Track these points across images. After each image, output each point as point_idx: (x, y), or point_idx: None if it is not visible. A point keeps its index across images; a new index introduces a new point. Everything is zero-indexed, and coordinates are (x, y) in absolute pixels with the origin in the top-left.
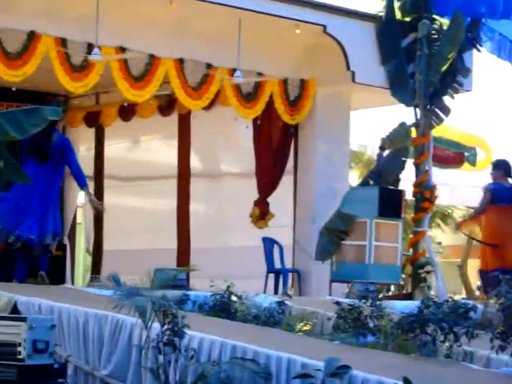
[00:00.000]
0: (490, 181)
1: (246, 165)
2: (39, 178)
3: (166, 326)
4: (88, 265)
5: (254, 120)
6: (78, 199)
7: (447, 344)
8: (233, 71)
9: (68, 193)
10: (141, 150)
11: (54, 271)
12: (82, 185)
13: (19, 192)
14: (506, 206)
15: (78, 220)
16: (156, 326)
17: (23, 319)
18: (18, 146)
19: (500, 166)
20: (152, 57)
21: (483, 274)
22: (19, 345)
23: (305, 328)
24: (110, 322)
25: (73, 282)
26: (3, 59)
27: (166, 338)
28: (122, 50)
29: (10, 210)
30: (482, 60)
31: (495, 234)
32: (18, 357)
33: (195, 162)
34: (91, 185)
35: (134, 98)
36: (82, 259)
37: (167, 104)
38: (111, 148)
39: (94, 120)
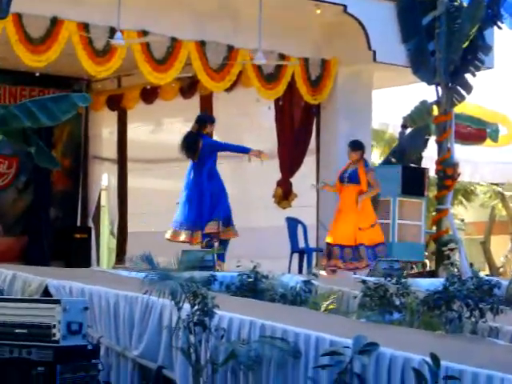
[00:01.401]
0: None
1: (269, 145)
2: (195, 175)
3: (196, 307)
4: (112, 247)
5: (276, 101)
6: (102, 182)
7: (473, 320)
8: (254, 52)
9: (91, 176)
10: (163, 132)
11: (80, 254)
12: (247, 151)
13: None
14: None
15: (102, 202)
16: (186, 306)
17: (57, 301)
18: (44, 133)
19: None
20: (174, 40)
21: None
22: (54, 327)
23: (331, 306)
24: (140, 304)
25: (98, 264)
26: (27, 45)
27: (196, 318)
28: (144, 33)
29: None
30: (503, 37)
31: None
32: (53, 338)
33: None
34: (114, 168)
35: (156, 80)
36: (106, 241)
37: (189, 86)
38: (134, 131)
39: (116, 103)
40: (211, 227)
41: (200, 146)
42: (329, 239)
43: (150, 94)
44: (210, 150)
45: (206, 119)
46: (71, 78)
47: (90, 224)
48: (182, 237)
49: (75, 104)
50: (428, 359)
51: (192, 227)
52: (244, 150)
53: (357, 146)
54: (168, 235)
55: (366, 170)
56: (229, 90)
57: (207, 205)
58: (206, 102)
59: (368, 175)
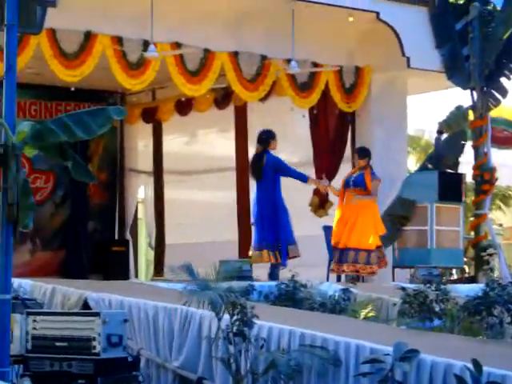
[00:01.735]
0: None
1: (304, 154)
2: (260, 192)
3: (235, 317)
4: (150, 259)
5: (311, 109)
6: (139, 195)
7: None
8: (288, 62)
9: (128, 189)
10: (198, 143)
11: (118, 266)
12: (304, 180)
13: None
14: None
15: (139, 215)
16: (225, 317)
17: (96, 314)
18: (79, 147)
19: None
20: (207, 51)
21: None
22: (94, 339)
23: (371, 314)
24: (179, 315)
25: (136, 277)
26: (61, 60)
27: (235, 328)
28: (178, 45)
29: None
30: None
31: None
32: (94, 351)
33: (253, 154)
34: (150, 180)
35: (190, 92)
36: (144, 254)
37: (223, 97)
38: (169, 143)
39: (151, 116)
40: (294, 252)
41: (264, 163)
42: (339, 243)
43: (184, 106)
44: (274, 166)
45: (267, 137)
46: (106, 92)
47: (128, 237)
48: (264, 257)
49: (110, 117)
50: (470, 365)
51: (271, 246)
52: (303, 178)
53: (364, 153)
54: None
55: (372, 178)
56: (263, 99)
57: (281, 223)
58: (241, 113)
59: (372, 182)
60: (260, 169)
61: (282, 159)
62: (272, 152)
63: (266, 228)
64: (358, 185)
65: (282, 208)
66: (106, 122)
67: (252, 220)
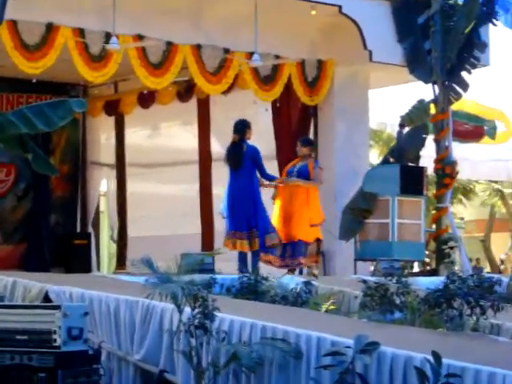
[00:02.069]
0: (510, 154)
1: (267, 147)
2: (236, 182)
3: (196, 310)
4: (113, 252)
5: (273, 102)
6: (101, 188)
7: (474, 318)
8: (250, 55)
9: (90, 182)
10: (161, 136)
11: (80, 259)
12: (271, 180)
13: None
14: None
15: (102, 208)
16: (187, 310)
17: (57, 307)
18: (41, 139)
19: None
20: (170, 44)
21: None
22: (54, 332)
23: (332, 307)
24: (140, 308)
25: (98, 270)
26: (22, 51)
27: (197, 321)
28: (140, 37)
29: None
30: (498, 34)
31: None
32: (54, 344)
33: (216, 147)
34: (113, 173)
35: (153, 85)
36: (106, 247)
37: (186, 90)
38: (132, 136)
39: (113, 108)
40: (272, 240)
41: (244, 151)
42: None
43: (146, 99)
44: (252, 156)
45: (243, 126)
46: (68, 84)
47: (90, 230)
48: (238, 245)
49: (72, 109)
50: (430, 357)
51: (246, 235)
52: (269, 179)
53: (307, 142)
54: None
55: (315, 166)
56: (226, 92)
57: (257, 211)
58: (204, 106)
59: (314, 171)
60: (241, 157)
61: (259, 151)
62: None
63: (243, 217)
64: (302, 174)
65: (259, 198)
66: (67, 114)
67: (224, 213)
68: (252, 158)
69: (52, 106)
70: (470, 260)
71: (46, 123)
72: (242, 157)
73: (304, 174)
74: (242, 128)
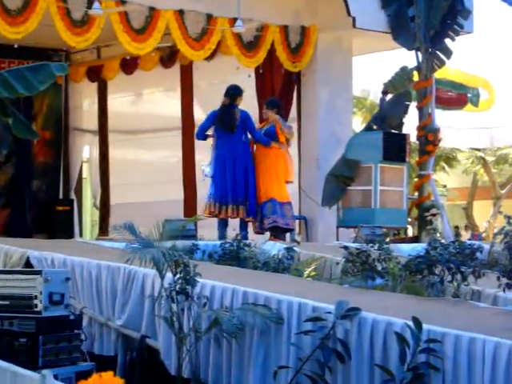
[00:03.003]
0: (493, 121)
1: (250, 113)
2: (228, 146)
3: (178, 276)
4: (95, 219)
5: (256, 69)
6: (84, 154)
7: (455, 284)
8: (233, 21)
9: (72, 148)
10: (144, 102)
11: (62, 226)
12: (266, 145)
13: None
14: None
15: (84, 175)
16: (168, 275)
17: (38, 273)
18: (22, 104)
19: None
20: (152, 9)
21: None
22: (35, 297)
23: (313, 273)
24: (122, 274)
25: (81, 236)
26: (4, 16)
27: (178, 286)
28: (122, 2)
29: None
30: (482, 1)
31: None
32: (35, 309)
33: (199, 113)
34: (95, 140)
35: (135, 50)
36: (89, 213)
37: (169, 56)
38: (114, 102)
39: (96, 74)
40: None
41: (238, 117)
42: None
43: (129, 65)
44: (245, 121)
45: (234, 92)
46: (50, 50)
47: (73, 196)
48: (228, 211)
49: (53, 73)
50: (410, 323)
51: (236, 201)
52: (266, 143)
53: (273, 104)
54: (207, 211)
55: (283, 127)
56: (209, 58)
57: (251, 180)
58: (187, 72)
59: (284, 130)
60: (235, 121)
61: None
62: None
63: (231, 184)
64: (270, 136)
65: (253, 167)
66: (47, 78)
67: (210, 172)
68: (244, 124)
69: (33, 69)
70: (452, 227)
71: (26, 87)
72: (236, 121)
73: (272, 136)
74: (233, 93)
